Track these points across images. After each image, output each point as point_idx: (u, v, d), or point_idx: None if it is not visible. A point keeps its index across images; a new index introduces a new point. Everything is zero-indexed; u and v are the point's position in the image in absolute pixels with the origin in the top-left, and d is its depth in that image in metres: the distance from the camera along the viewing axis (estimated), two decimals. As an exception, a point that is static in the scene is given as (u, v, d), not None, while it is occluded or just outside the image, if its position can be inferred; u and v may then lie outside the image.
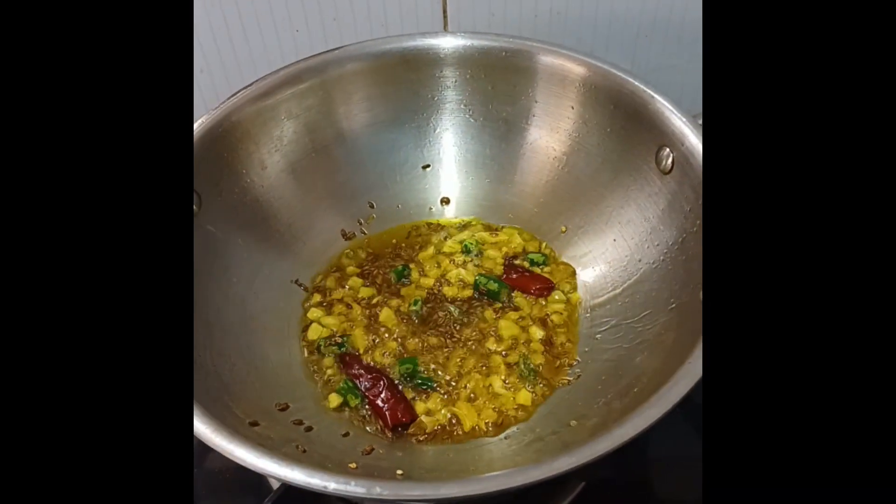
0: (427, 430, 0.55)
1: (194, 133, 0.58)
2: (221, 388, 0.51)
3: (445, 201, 0.70)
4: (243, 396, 0.52)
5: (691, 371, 0.43)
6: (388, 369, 0.59)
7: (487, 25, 0.75)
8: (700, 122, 0.57)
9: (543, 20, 0.76)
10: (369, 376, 0.58)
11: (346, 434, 0.55)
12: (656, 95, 0.58)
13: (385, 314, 0.62)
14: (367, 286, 0.65)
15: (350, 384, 0.58)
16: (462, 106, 0.67)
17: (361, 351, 0.60)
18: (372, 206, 0.69)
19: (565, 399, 0.57)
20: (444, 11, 0.74)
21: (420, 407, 0.57)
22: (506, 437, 0.54)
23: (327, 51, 0.64)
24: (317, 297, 0.64)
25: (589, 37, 0.78)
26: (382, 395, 0.57)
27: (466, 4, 0.74)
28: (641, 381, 0.51)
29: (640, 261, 0.60)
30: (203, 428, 0.43)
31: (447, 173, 0.70)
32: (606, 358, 0.58)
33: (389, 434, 0.55)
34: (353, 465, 0.49)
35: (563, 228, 0.66)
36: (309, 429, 0.54)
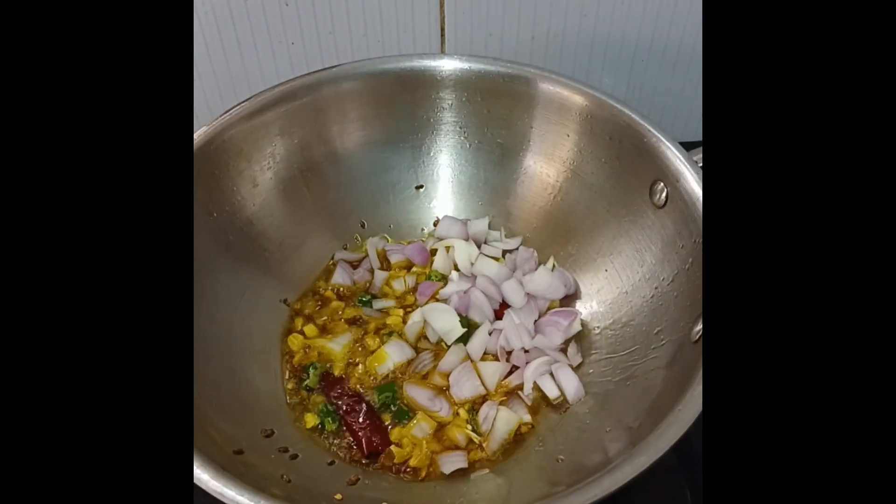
0: (396, 461, 0.55)
1: (185, 150, 0.57)
2: (205, 416, 0.50)
3: (438, 223, 0.70)
4: (227, 423, 0.52)
5: (681, 418, 0.43)
6: (367, 392, 0.59)
7: (484, 45, 0.75)
8: (695, 156, 0.57)
9: (541, 42, 0.76)
10: (349, 400, 0.58)
11: (332, 462, 0.54)
12: (653, 129, 0.58)
13: (370, 338, 0.62)
14: (350, 307, 0.64)
15: (329, 408, 0.57)
16: (458, 128, 0.67)
17: (340, 368, 0.60)
18: (363, 226, 0.69)
19: (552, 431, 0.56)
20: (442, 29, 0.74)
21: (395, 434, 0.56)
22: (491, 472, 0.54)
23: (323, 69, 0.63)
24: (299, 322, 0.63)
25: (585, 60, 0.78)
26: (360, 420, 0.56)
27: (464, 23, 0.73)
28: (628, 420, 0.51)
29: (630, 294, 0.60)
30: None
31: (440, 195, 0.70)
32: (595, 391, 0.57)
33: (364, 460, 0.55)
34: (338, 497, 0.49)
35: (553, 257, 0.66)
36: (294, 457, 0.53)
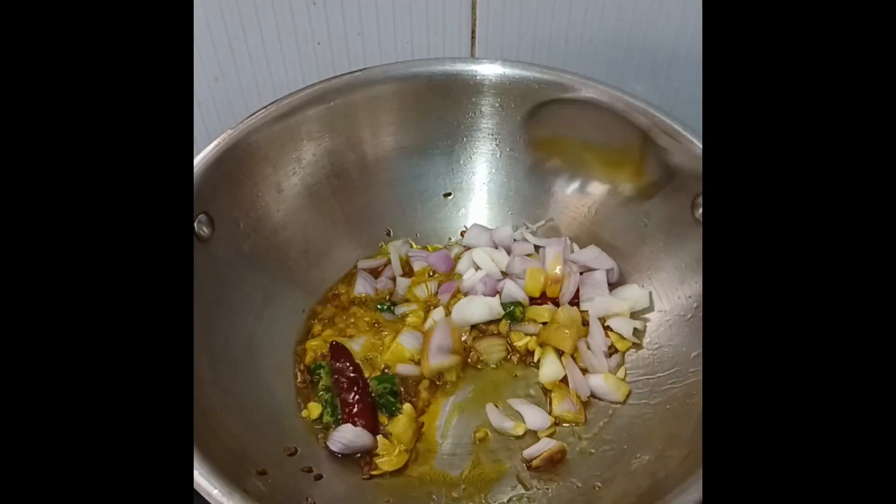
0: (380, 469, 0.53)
1: (210, 154, 0.55)
2: (228, 433, 0.48)
3: (466, 232, 0.67)
4: (250, 440, 0.50)
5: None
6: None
7: (516, 48, 0.72)
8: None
9: (574, 46, 0.73)
10: (350, 373, 0.56)
11: (365, 478, 0.52)
12: (696, 141, 0.56)
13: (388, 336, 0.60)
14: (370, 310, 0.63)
15: (332, 401, 0.56)
16: (490, 135, 0.65)
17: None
18: (389, 234, 0.66)
19: (579, 455, 0.54)
20: (473, 31, 0.71)
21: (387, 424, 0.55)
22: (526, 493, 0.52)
23: (353, 71, 0.61)
24: (318, 328, 0.61)
25: (619, 65, 0.75)
26: (354, 396, 0.55)
27: (496, 25, 0.70)
28: (666, 448, 0.49)
29: (668, 313, 0.58)
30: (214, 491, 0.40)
31: (469, 203, 0.67)
32: (632, 414, 0.55)
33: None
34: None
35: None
36: (319, 477, 0.51)
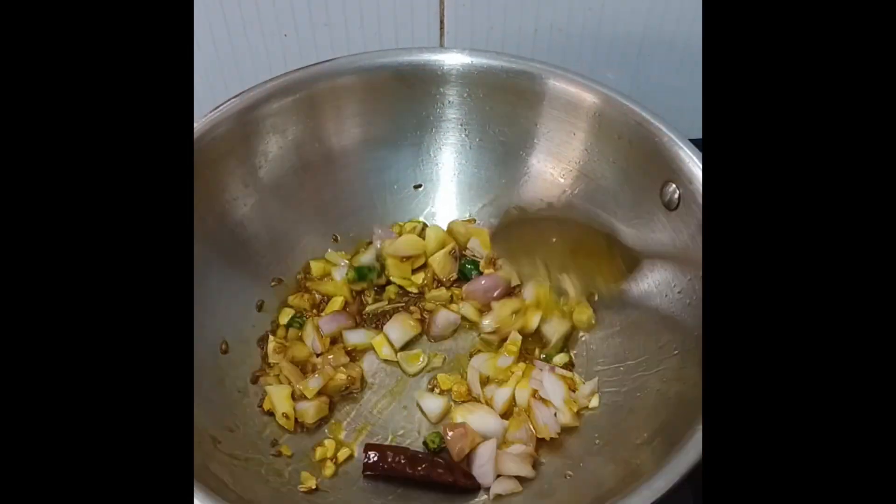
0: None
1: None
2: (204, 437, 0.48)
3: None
4: (228, 445, 0.49)
5: (699, 439, 0.41)
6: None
7: (486, 39, 0.72)
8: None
9: (544, 36, 0.73)
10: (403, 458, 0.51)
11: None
12: (665, 129, 0.56)
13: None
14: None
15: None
16: (459, 126, 0.64)
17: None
18: (336, 240, 0.65)
19: (558, 445, 0.54)
20: (442, 22, 0.71)
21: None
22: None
23: (318, 63, 0.60)
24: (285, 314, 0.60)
25: (589, 54, 0.75)
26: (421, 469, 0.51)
27: (465, 15, 0.70)
28: (640, 437, 0.49)
29: (639, 298, 0.58)
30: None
31: (440, 194, 0.67)
32: (603, 402, 0.55)
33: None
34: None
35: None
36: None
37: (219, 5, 0.66)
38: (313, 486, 0.51)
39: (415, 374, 0.58)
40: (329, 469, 0.52)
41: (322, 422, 0.55)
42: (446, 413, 0.56)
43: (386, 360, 0.59)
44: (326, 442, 0.54)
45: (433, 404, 0.56)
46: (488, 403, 0.55)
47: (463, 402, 0.56)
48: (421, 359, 0.59)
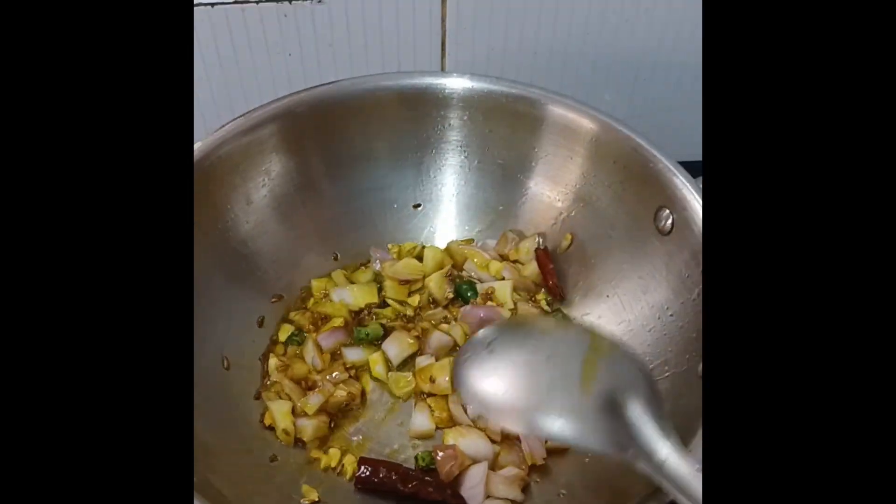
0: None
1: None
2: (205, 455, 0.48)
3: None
4: (226, 465, 0.50)
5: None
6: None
7: (486, 61, 0.73)
8: (700, 178, 0.56)
9: (543, 58, 0.74)
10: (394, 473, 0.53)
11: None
12: (660, 155, 0.57)
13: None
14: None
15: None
16: (459, 147, 0.65)
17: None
18: (336, 258, 0.66)
19: (553, 464, 0.55)
20: (443, 43, 0.72)
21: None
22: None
23: (322, 84, 0.61)
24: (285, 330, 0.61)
25: (587, 76, 0.77)
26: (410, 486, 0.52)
27: (465, 38, 0.71)
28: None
29: (632, 322, 0.59)
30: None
31: (439, 215, 0.68)
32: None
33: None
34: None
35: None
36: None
37: (225, 25, 0.67)
38: (315, 499, 0.51)
39: (402, 398, 0.59)
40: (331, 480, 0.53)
41: (321, 440, 0.56)
42: (432, 433, 0.57)
43: (377, 379, 0.59)
44: (331, 451, 0.55)
45: (421, 422, 0.57)
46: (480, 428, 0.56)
47: (447, 427, 0.56)
48: (409, 380, 0.59)
